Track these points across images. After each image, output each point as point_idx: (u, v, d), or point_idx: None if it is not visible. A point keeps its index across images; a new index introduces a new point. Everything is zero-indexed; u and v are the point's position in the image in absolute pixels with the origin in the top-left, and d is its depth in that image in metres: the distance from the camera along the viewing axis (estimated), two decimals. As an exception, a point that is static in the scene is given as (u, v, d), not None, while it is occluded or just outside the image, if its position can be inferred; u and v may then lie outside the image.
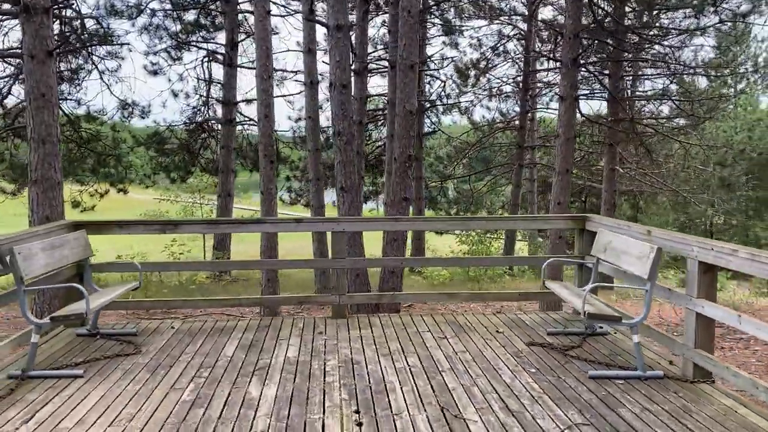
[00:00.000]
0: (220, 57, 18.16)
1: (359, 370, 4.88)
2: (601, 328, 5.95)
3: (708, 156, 19.69)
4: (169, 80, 19.53)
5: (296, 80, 23.33)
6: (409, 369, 4.91)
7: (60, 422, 3.93)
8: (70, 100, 17.44)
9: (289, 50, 20.63)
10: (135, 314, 10.07)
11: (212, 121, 18.92)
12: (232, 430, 3.81)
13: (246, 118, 18.81)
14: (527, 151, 23.22)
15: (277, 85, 20.39)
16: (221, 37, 18.87)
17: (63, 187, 7.66)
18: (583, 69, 20.35)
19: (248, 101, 18.61)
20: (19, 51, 9.17)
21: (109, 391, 4.46)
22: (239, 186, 26.02)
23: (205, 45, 18.92)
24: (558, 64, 22.28)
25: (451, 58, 24.20)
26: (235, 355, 5.29)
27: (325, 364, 5.05)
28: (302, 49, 11.65)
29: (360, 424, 3.89)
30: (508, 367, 4.95)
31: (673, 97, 15.24)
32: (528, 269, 20.07)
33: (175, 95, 19.87)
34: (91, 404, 4.23)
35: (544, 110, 24.04)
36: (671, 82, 14.10)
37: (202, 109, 20.10)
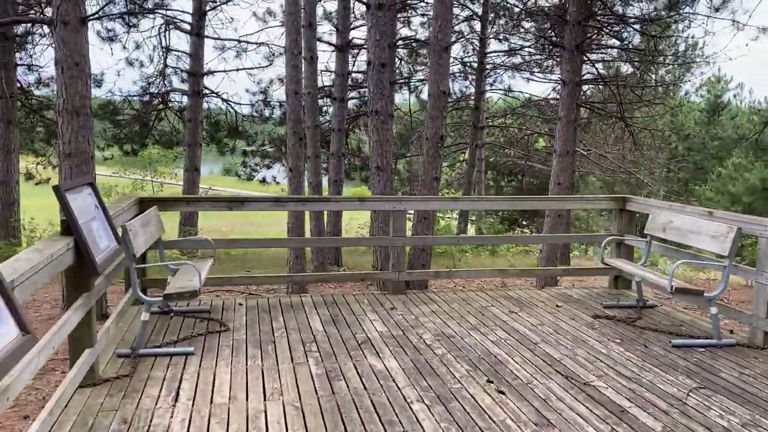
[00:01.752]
0: (185, 26, 17.54)
1: (459, 343, 5.11)
2: (647, 301, 6.42)
3: (652, 139, 20.83)
4: (125, 48, 18.74)
5: (257, 52, 22.75)
6: (505, 341, 5.18)
7: (212, 399, 3.96)
8: (21, 65, 16.45)
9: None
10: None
11: (175, 92, 18.30)
12: (389, 400, 3.96)
13: (209, 91, 18.31)
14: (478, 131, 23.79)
15: (237, 56, 19.94)
16: (179, 3, 18.20)
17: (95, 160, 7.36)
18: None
19: (211, 72, 18.09)
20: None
21: (234, 368, 4.49)
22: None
23: (163, 11, 18.19)
24: (501, 47, 22.91)
25: (404, 37, 24.36)
26: (328, 330, 5.39)
27: (421, 337, 5.24)
28: (302, 23, 11.50)
29: (502, 392, 4.13)
30: (594, 339, 5.30)
31: (631, 83, 16.04)
32: (478, 247, 20.70)
33: (131, 64, 19.08)
34: (227, 380, 4.26)
35: (497, 91, 24.63)
36: (637, 69, 14.88)
37: (156, 80, 19.39)
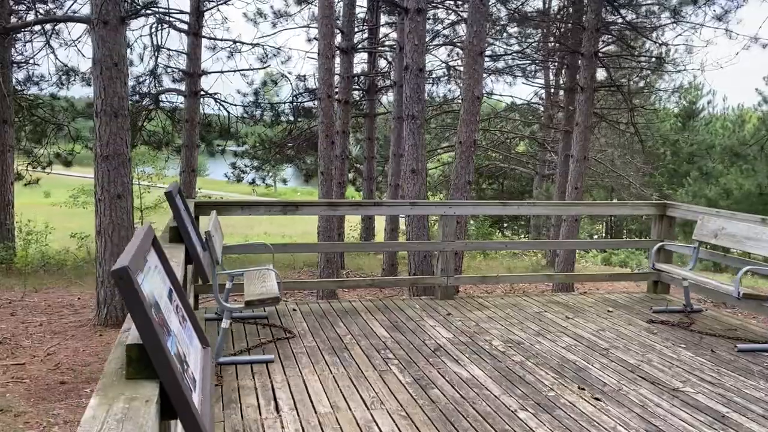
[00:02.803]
0: (181, 25, 17.23)
1: (532, 350, 5.11)
2: (693, 305, 6.52)
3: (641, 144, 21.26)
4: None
5: (252, 52, 22.63)
6: (576, 347, 5.21)
7: (314, 408, 3.89)
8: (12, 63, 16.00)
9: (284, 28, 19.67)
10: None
11: (170, 92, 17.98)
12: (492, 409, 3.94)
13: (204, 92, 18.03)
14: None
15: (230, 57, 19.72)
16: (176, 2, 17.86)
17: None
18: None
19: (207, 73, 17.82)
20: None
21: (320, 376, 4.43)
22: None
23: (164, 9, 17.85)
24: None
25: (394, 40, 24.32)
26: (394, 336, 5.35)
27: (491, 344, 5.24)
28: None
29: (598, 399, 4.15)
30: (660, 344, 5.36)
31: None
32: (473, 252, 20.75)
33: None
34: (319, 388, 4.19)
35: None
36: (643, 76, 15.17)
37: (147, 80, 19.03)
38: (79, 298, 9.78)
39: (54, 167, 18.41)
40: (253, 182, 22.52)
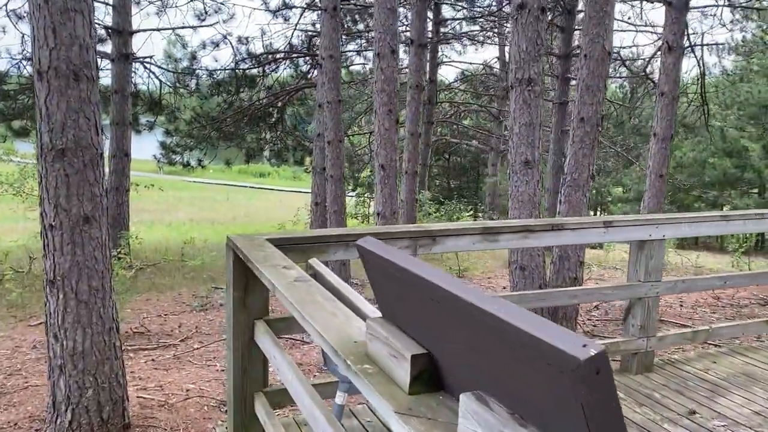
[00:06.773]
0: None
1: None
2: None
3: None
4: (11, -3, 14.53)
5: (189, 6, 19.31)
6: None
7: None
8: None
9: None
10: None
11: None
12: None
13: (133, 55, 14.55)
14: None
15: (157, 13, 16.24)
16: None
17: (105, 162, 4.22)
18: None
19: (138, 31, 14.35)
20: None
21: None
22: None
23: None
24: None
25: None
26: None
27: None
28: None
29: None
30: None
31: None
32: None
33: (20, 18, 14.88)
34: None
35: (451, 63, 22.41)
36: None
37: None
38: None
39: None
40: (187, 164, 19.11)
